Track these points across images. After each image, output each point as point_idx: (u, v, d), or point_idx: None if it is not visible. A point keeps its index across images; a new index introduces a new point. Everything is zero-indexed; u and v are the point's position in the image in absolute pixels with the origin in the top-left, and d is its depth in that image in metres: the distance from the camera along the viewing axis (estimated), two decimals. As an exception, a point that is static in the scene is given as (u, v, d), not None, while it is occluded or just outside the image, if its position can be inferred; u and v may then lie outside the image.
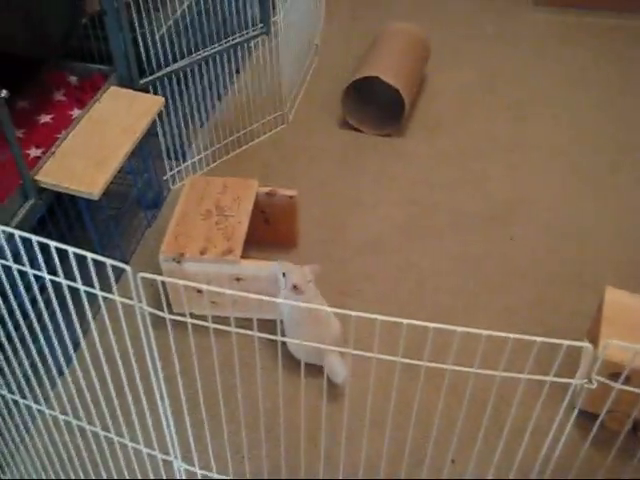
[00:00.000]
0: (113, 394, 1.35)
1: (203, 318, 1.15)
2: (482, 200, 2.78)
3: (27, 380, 1.51)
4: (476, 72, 3.52)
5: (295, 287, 1.95)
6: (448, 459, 1.86)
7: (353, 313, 0.99)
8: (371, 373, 1.21)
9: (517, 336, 0.99)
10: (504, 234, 2.63)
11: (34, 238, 1.10)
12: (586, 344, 1.03)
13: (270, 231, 2.51)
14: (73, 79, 2.47)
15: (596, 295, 2.13)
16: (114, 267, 1.07)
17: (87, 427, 1.46)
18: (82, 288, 1.13)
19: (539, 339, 1.00)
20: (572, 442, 1.74)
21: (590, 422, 1.76)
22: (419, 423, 1.94)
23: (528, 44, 3.73)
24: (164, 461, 1.46)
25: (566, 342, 0.99)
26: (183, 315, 1.16)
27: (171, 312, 1.11)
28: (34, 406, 1.52)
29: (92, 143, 2.18)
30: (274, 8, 2.88)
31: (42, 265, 1.14)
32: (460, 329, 1.00)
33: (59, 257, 1.13)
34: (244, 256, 2.17)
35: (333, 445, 1.93)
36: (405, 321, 0.99)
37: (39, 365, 1.43)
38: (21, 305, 1.32)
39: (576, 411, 1.20)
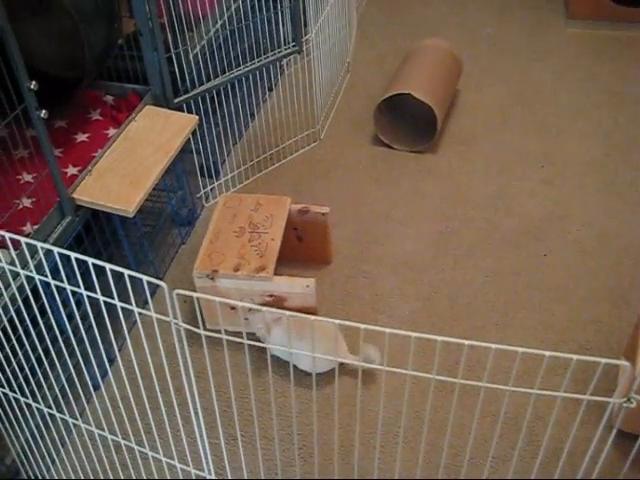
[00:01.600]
0: (148, 409, 1.37)
1: (235, 335, 1.16)
2: (515, 216, 2.76)
3: (64, 394, 1.53)
4: (508, 87, 3.51)
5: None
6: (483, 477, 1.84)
7: (387, 330, 0.99)
8: (405, 391, 1.21)
9: (554, 354, 0.98)
10: (538, 250, 2.61)
11: (72, 255, 1.12)
12: (624, 362, 1.01)
13: (303, 248, 2.52)
14: (109, 98, 2.52)
15: (633, 312, 2.10)
16: (149, 283, 1.08)
17: (122, 442, 1.48)
18: (119, 304, 1.14)
19: (576, 357, 0.99)
20: (610, 463, 1.71)
21: (629, 443, 1.74)
22: (452, 442, 1.93)
23: (561, 59, 3.70)
24: (197, 477, 1.47)
25: (604, 360, 0.97)
26: (216, 331, 1.17)
27: (205, 329, 1.12)
28: (70, 420, 1.54)
29: (127, 161, 2.21)
30: (306, 26, 2.91)
31: (79, 281, 1.16)
32: (495, 346, 0.99)
33: (88, 273, 1.14)
34: (277, 273, 2.17)
35: (366, 463, 1.92)
36: (440, 338, 0.99)
37: (75, 379, 1.44)
38: (58, 320, 1.34)
39: (615, 431, 1.17)
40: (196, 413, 1.28)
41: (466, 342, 0.99)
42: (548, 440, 1.30)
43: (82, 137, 2.36)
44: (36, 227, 1.94)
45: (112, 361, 2.01)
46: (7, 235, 1.19)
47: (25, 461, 1.80)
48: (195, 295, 1.06)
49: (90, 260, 1.10)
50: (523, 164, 3.03)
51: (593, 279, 2.48)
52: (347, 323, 1.00)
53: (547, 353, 0.99)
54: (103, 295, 1.17)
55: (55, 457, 1.89)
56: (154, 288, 1.92)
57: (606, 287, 2.45)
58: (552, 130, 3.21)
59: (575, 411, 1.72)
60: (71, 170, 2.21)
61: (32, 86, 1.71)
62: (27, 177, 2.15)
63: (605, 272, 2.51)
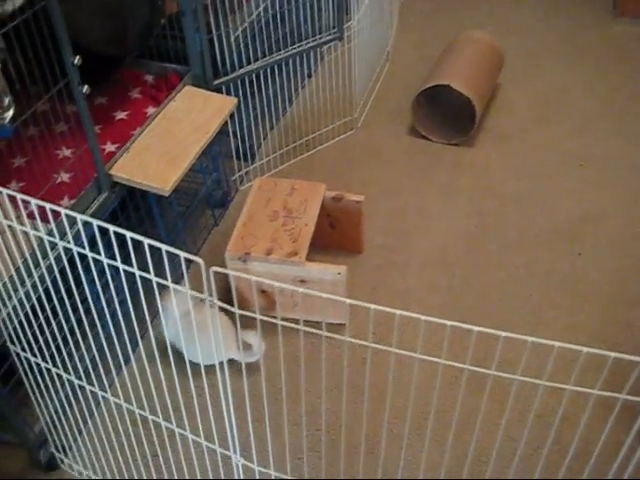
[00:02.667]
0: (177, 385, 1.37)
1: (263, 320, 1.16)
2: (551, 214, 2.73)
3: (94, 366, 1.54)
4: (550, 83, 3.46)
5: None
6: (508, 476, 1.82)
7: (423, 317, 0.98)
8: (436, 382, 1.20)
9: (591, 350, 0.97)
10: (572, 249, 2.57)
11: (111, 227, 1.13)
12: (663, 363, 0.99)
13: (335, 235, 2.51)
14: (149, 78, 2.53)
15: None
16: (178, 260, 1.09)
17: (149, 416, 1.49)
18: (155, 279, 1.15)
19: (614, 354, 0.97)
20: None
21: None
22: (480, 438, 1.92)
23: (606, 56, 3.64)
24: (223, 455, 1.47)
25: (642, 359, 0.95)
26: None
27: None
28: (99, 392, 1.56)
29: (165, 141, 2.22)
30: (348, 14, 2.89)
31: (117, 254, 1.16)
32: (531, 339, 0.98)
33: (123, 247, 1.15)
34: (309, 259, 2.17)
35: (391, 455, 1.92)
36: (476, 328, 0.98)
37: (107, 352, 1.46)
38: (92, 292, 1.35)
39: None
40: (225, 393, 1.28)
41: (503, 334, 0.98)
42: (574, 441, 1.29)
43: (121, 115, 2.37)
44: (73, 202, 1.95)
45: (143, 336, 2.03)
46: (48, 206, 1.20)
47: (53, 430, 1.82)
48: (232, 273, 1.06)
49: (128, 234, 1.11)
50: (561, 162, 2.98)
51: (627, 281, 2.44)
52: (382, 308, 0.99)
53: (584, 349, 0.98)
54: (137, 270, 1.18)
55: (82, 428, 1.92)
56: (186, 266, 1.93)
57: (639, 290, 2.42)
58: (593, 129, 3.16)
59: (603, 414, 1.70)
60: (109, 147, 2.23)
61: (76, 61, 1.72)
62: (66, 152, 2.16)
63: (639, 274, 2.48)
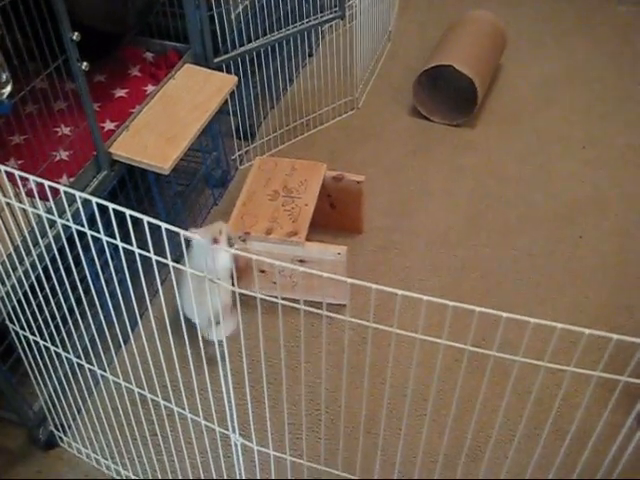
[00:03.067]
0: (176, 365, 1.37)
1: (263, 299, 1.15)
2: (552, 196, 2.71)
3: (93, 345, 1.54)
4: (553, 65, 3.43)
5: (215, 240, 2.00)
6: (507, 458, 1.83)
7: (425, 297, 0.97)
8: (437, 362, 1.19)
9: (593, 332, 0.96)
10: (573, 232, 2.56)
11: (110, 205, 1.12)
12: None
13: (335, 215, 2.50)
14: (149, 55, 2.50)
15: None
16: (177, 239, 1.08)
17: (148, 396, 1.49)
18: (154, 257, 1.14)
19: (616, 336, 0.97)
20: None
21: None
22: (479, 420, 1.92)
23: (610, 38, 3.61)
24: (222, 435, 1.47)
25: (645, 341, 0.95)
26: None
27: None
28: (98, 371, 1.56)
29: (165, 119, 2.20)
30: (350, -8, 2.86)
31: (116, 232, 1.16)
32: (534, 320, 0.97)
33: (122, 226, 1.14)
34: (308, 239, 2.16)
35: (391, 435, 1.92)
36: (477, 309, 0.97)
37: (106, 331, 1.45)
38: (91, 270, 1.34)
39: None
40: (225, 372, 1.28)
41: (504, 314, 0.97)
42: (574, 423, 1.28)
43: (121, 92, 2.36)
44: (72, 180, 1.94)
45: (142, 315, 2.02)
46: (47, 183, 1.19)
47: (52, 408, 1.82)
48: (232, 251, 1.05)
49: (128, 212, 1.10)
50: (564, 144, 2.97)
51: (629, 264, 2.44)
52: (384, 288, 0.98)
53: (586, 331, 0.97)
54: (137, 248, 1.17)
55: (81, 407, 1.92)
56: (186, 245, 1.92)
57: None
58: (596, 111, 3.14)
59: (603, 396, 1.70)
60: (108, 125, 2.21)
61: (74, 37, 1.70)
62: (65, 130, 2.15)
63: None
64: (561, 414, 1.94)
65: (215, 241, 2.00)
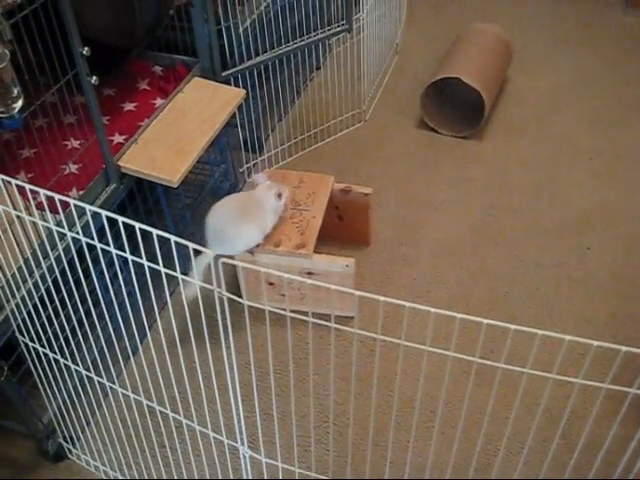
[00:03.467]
0: (185, 377, 1.38)
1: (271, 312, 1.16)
2: (560, 207, 2.71)
3: (102, 357, 1.54)
4: (560, 76, 3.44)
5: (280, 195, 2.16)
6: (516, 470, 1.82)
7: (433, 310, 0.97)
8: (445, 374, 1.19)
9: (602, 344, 0.96)
10: (581, 243, 2.56)
11: (120, 218, 1.13)
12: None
13: (343, 228, 2.51)
14: (157, 69, 2.52)
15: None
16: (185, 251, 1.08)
17: (157, 408, 1.49)
18: (163, 270, 1.15)
19: (625, 348, 0.97)
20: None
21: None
22: (488, 432, 1.91)
23: (617, 48, 3.61)
24: (230, 446, 1.47)
25: (653, 353, 0.95)
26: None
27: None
28: (107, 384, 1.56)
29: (173, 132, 2.22)
30: (357, 5, 2.87)
31: (126, 245, 1.16)
32: (541, 332, 0.97)
33: (131, 239, 1.15)
34: (316, 251, 2.17)
35: (399, 447, 1.92)
36: (485, 321, 0.97)
37: (115, 343, 1.46)
38: (101, 283, 1.35)
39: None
40: (233, 384, 1.28)
41: (512, 327, 0.97)
42: (582, 435, 1.28)
43: (129, 106, 2.37)
44: (81, 193, 1.96)
45: (151, 326, 2.03)
46: (57, 196, 1.20)
47: (61, 420, 1.83)
48: (241, 264, 1.06)
49: (137, 225, 1.11)
50: (571, 155, 2.97)
51: (637, 275, 2.43)
52: (392, 300, 0.99)
53: (595, 343, 0.97)
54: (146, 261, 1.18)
55: (90, 419, 1.92)
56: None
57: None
58: (604, 121, 3.14)
59: (611, 409, 1.69)
60: (117, 138, 2.23)
61: (85, 52, 1.72)
62: (74, 143, 2.16)
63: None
64: (570, 426, 1.93)
65: (279, 196, 2.13)
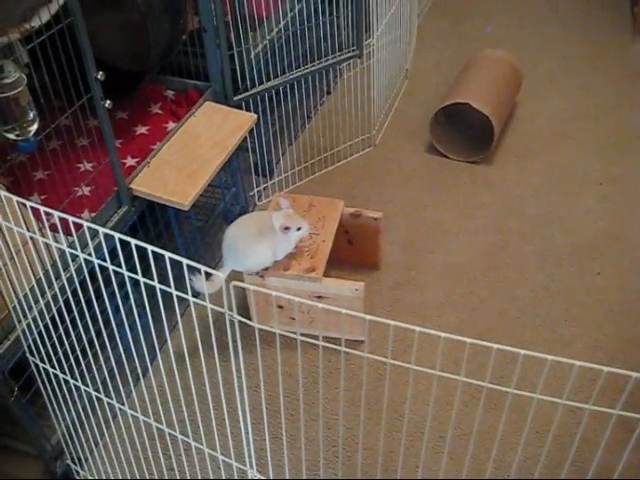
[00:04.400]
0: (195, 399, 1.38)
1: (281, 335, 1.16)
2: (570, 232, 2.71)
3: (112, 377, 1.55)
4: (569, 102, 3.45)
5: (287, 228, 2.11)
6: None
7: (443, 334, 0.97)
8: (454, 399, 1.19)
9: (612, 370, 0.96)
10: (591, 268, 2.56)
11: (132, 241, 1.14)
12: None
13: (353, 252, 2.52)
14: (170, 93, 2.55)
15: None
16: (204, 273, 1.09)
17: (166, 430, 1.49)
18: (175, 292, 1.16)
19: (635, 374, 0.96)
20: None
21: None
22: (498, 458, 1.90)
23: (625, 75, 3.63)
24: (239, 470, 1.47)
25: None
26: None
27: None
28: (116, 405, 1.56)
29: (185, 156, 2.24)
30: (367, 31, 2.91)
31: (138, 267, 1.17)
32: (551, 357, 0.97)
33: (142, 260, 1.16)
34: (326, 275, 2.17)
35: (408, 472, 1.90)
36: (495, 346, 0.97)
37: (125, 364, 1.46)
38: (112, 303, 1.36)
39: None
40: (243, 407, 1.28)
41: (522, 352, 0.97)
42: (593, 462, 1.27)
43: (142, 129, 2.40)
44: (94, 215, 1.97)
45: (161, 347, 2.03)
46: (71, 218, 1.21)
47: (70, 441, 1.83)
48: (252, 287, 1.07)
49: (150, 247, 1.12)
50: (581, 180, 2.97)
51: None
52: (402, 325, 0.99)
53: (605, 368, 0.97)
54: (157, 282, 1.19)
55: (99, 440, 1.92)
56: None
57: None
58: (613, 148, 3.15)
59: (623, 435, 1.68)
60: (130, 161, 2.25)
61: (99, 76, 1.75)
62: (87, 166, 2.18)
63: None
64: (581, 453, 1.92)
65: (285, 229, 2.10)
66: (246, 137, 2.46)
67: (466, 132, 3.19)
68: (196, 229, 2.52)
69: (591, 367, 0.98)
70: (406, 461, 1.93)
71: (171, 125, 2.41)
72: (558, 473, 1.83)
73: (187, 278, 1.12)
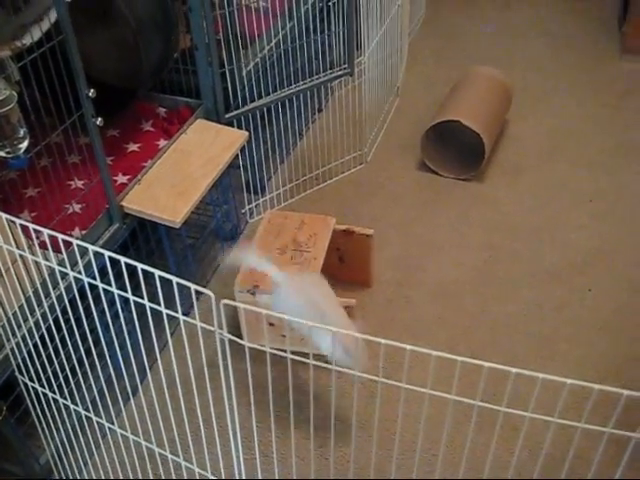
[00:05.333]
0: (185, 419, 1.37)
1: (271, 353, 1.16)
2: (561, 249, 2.72)
3: (101, 397, 1.53)
4: (559, 119, 3.47)
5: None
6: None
7: (434, 353, 0.97)
8: (446, 417, 1.18)
9: (604, 388, 0.96)
10: (583, 285, 2.56)
11: (122, 259, 1.13)
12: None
13: (344, 269, 2.51)
14: (161, 110, 2.55)
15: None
16: (193, 292, 1.09)
17: (156, 449, 1.48)
18: (165, 311, 1.15)
19: (626, 392, 0.96)
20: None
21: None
22: (490, 476, 1.89)
23: (615, 92, 3.66)
24: (229, 490, 1.46)
25: (656, 397, 0.94)
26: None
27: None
28: (106, 424, 1.55)
29: (176, 173, 2.23)
30: (358, 49, 2.92)
31: (128, 286, 1.17)
32: (542, 376, 0.97)
33: (132, 277, 1.15)
34: (317, 291, 2.17)
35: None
36: (487, 364, 0.97)
37: (115, 383, 1.45)
38: (101, 322, 1.35)
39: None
40: (233, 427, 1.27)
41: (513, 370, 0.97)
42: None
43: (133, 147, 2.40)
44: (84, 232, 1.97)
45: (151, 367, 2.02)
46: (60, 236, 1.21)
47: (59, 462, 1.81)
48: (242, 306, 1.06)
49: (140, 265, 1.11)
50: (571, 197, 2.98)
51: (639, 317, 2.42)
52: (393, 343, 0.99)
53: (596, 386, 0.97)
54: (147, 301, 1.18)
55: (88, 460, 1.90)
56: (196, 298, 1.94)
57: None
58: (603, 165, 3.16)
59: (616, 452, 1.67)
60: (121, 178, 2.24)
61: (90, 94, 1.75)
62: (78, 183, 2.18)
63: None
64: (573, 470, 1.91)
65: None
66: (238, 154, 2.46)
67: (457, 149, 3.20)
68: (188, 246, 2.51)
69: (582, 385, 0.97)
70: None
71: (162, 142, 2.41)
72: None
73: (177, 295, 1.11)
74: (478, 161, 3.02)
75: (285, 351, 1.12)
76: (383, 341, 0.99)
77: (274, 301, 1.90)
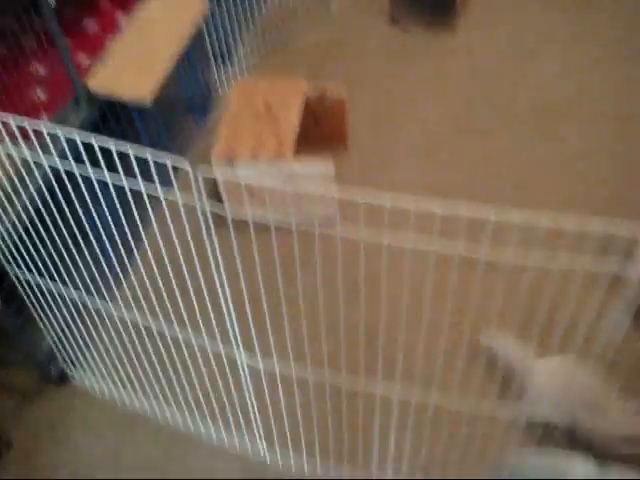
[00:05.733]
0: (176, 289, 1.40)
1: (255, 222, 1.17)
2: (536, 94, 2.70)
3: (94, 281, 1.56)
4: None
5: None
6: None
7: (413, 202, 0.99)
8: (429, 266, 1.22)
9: (580, 223, 0.98)
10: (555, 129, 2.57)
11: (95, 141, 1.12)
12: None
13: (320, 132, 2.49)
14: (116, -17, 2.43)
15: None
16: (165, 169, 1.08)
17: (152, 323, 1.52)
18: (145, 191, 1.15)
19: (598, 227, 0.99)
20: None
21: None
22: (475, 319, 1.97)
23: None
24: (228, 355, 1.51)
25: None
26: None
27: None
28: (100, 303, 1.58)
29: (140, 49, 2.16)
30: None
31: (104, 169, 1.16)
32: (519, 216, 0.99)
33: (109, 165, 1.15)
34: (295, 156, 2.16)
35: (391, 346, 1.97)
36: (464, 207, 0.99)
37: (104, 265, 1.47)
38: (82, 208, 1.35)
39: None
40: (223, 290, 1.30)
41: (492, 216, 0.99)
42: (566, 314, 1.33)
43: (92, 25, 2.30)
44: (52, 119, 1.92)
45: (138, 247, 2.04)
46: (28, 124, 1.18)
47: (60, 347, 1.86)
48: (220, 176, 1.06)
49: (113, 145, 1.10)
50: (545, 40, 2.93)
51: (613, 157, 2.46)
52: (373, 198, 1.00)
53: (571, 222, 0.99)
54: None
55: (89, 342, 1.96)
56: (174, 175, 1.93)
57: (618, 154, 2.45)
58: (576, 4, 3.08)
59: (594, 287, 1.75)
60: (84, 60, 2.17)
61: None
62: (40, 69, 2.11)
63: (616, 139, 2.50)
64: (553, 305, 1.99)
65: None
66: (203, 25, 2.38)
67: (427, 2, 3.10)
68: (160, 124, 2.47)
69: (556, 220, 1.00)
70: (389, 328, 1.99)
71: (121, 17, 2.31)
72: (532, 324, 1.91)
73: (154, 173, 1.11)
74: (449, 12, 2.94)
75: (268, 219, 1.13)
76: (362, 200, 1.00)
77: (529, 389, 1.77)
